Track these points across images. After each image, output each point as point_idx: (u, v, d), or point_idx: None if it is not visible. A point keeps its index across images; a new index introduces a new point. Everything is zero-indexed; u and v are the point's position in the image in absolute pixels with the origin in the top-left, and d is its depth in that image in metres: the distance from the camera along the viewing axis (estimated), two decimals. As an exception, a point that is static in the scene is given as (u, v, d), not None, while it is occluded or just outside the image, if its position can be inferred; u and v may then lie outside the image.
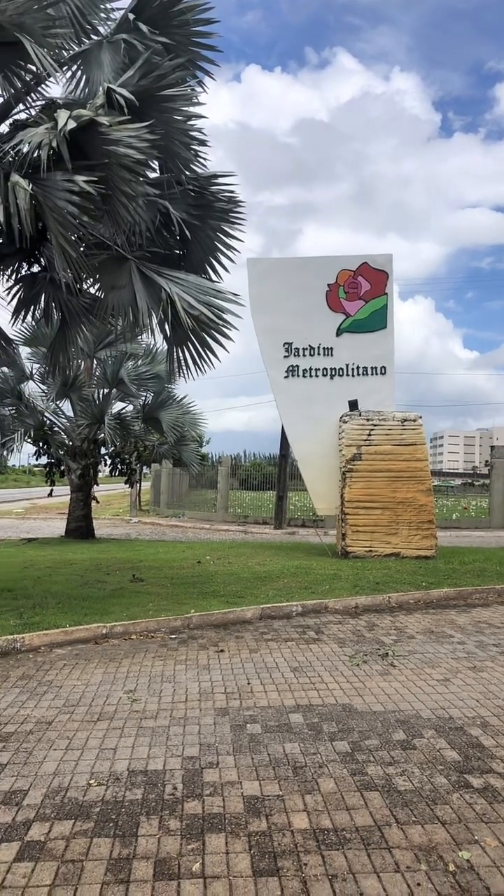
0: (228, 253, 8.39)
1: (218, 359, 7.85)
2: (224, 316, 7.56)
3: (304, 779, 3.42)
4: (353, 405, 12.44)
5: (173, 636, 6.69)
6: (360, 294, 12.70)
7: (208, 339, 7.68)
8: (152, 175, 8.31)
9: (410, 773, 3.49)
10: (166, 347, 8.41)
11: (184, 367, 8.07)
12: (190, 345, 7.84)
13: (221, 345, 7.68)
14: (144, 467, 34.44)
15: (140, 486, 34.53)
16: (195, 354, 7.89)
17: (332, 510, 12.76)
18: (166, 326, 7.57)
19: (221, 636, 6.68)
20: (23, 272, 8.39)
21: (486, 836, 2.86)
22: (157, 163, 8.17)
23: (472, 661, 5.65)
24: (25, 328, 14.49)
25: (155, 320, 7.30)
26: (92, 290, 8.44)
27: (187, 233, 7.81)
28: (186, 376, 8.35)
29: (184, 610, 7.44)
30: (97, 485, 16.51)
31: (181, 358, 7.96)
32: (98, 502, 16.93)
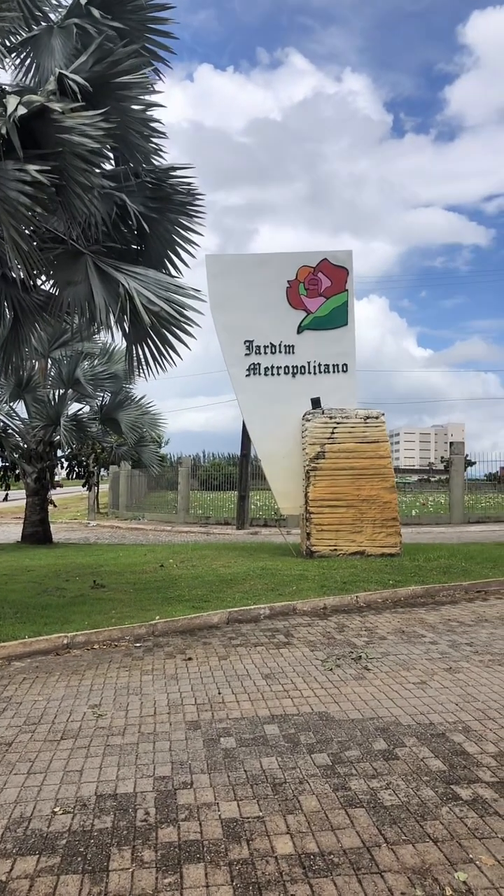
0: (188, 247, 8.18)
1: (179, 356, 7.64)
2: (185, 312, 7.33)
3: (284, 797, 3.23)
4: (316, 403, 12.31)
5: (138, 644, 6.44)
6: (321, 291, 12.57)
7: (169, 336, 7.45)
8: (108, 167, 8.04)
9: (395, 786, 3.32)
10: (124, 346, 8.16)
11: (144, 366, 7.83)
12: (150, 342, 7.60)
13: (183, 342, 7.46)
14: (102, 469, 34.00)
15: (98, 489, 34.01)
16: (155, 352, 7.65)
17: (296, 509, 12.61)
18: (125, 323, 7.31)
19: (188, 643, 6.45)
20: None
21: (482, 854, 2.70)
22: (113, 154, 7.91)
23: (447, 662, 5.53)
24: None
25: (113, 317, 7.01)
26: (46, 287, 8.13)
27: (145, 226, 7.56)
28: (147, 375, 8.12)
29: (148, 616, 7.18)
30: (54, 488, 16.08)
31: (140, 356, 7.70)
32: (55, 506, 16.50)
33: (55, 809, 3.14)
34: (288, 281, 12.56)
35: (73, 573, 10.36)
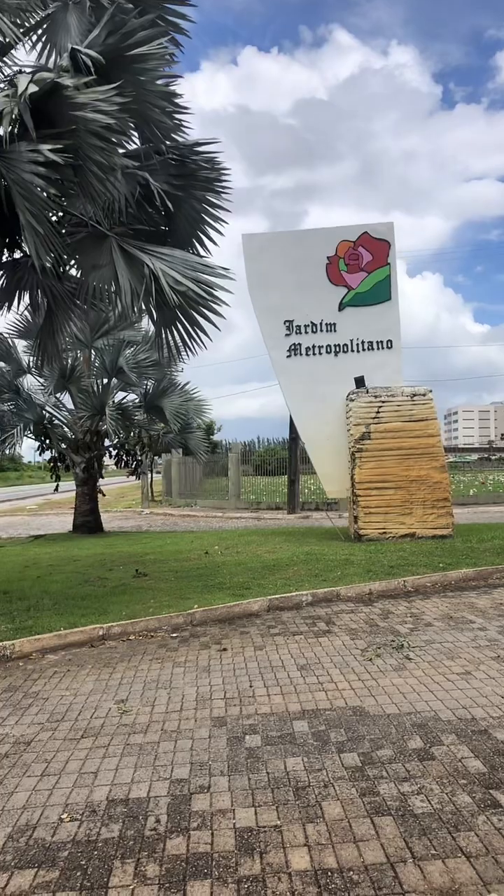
0: (216, 225, 7.90)
1: (209, 338, 7.39)
2: (214, 292, 7.08)
3: (306, 803, 2.99)
4: (360, 382, 11.93)
5: (174, 634, 6.28)
6: (362, 266, 12.15)
7: (198, 317, 7.21)
8: (131, 146, 7.83)
9: (428, 790, 3.04)
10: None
11: (174, 350, 7.62)
12: (179, 325, 7.38)
13: (212, 323, 7.20)
14: (155, 458, 34.21)
15: (151, 477, 34.24)
16: (185, 335, 7.43)
17: (342, 492, 12.29)
18: (151, 305, 7.09)
19: (225, 632, 6.26)
20: (3, 259, 7.94)
21: (520, 872, 2.41)
22: (135, 133, 7.70)
23: (495, 650, 5.19)
24: (19, 321, 14.06)
25: (139, 300, 6.80)
26: (75, 273, 7.98)
27: (170, 205, 7.31)
28: (184, 359, 7.91)
29: (187, 605, 7.02)
30: (102, 477, 16.11)
31: (170, 340, 7.50)
32: (104, 495, 16.55)
33: (62, 816, 2.98)
34: (327, 257, 12.18)
35: (117, 562, 10.30)
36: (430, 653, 5.21)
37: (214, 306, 7.07)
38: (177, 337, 7.52)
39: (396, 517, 11.22)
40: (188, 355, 7.61)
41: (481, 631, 5.80)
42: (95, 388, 15.18)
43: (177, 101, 7.52)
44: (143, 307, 7.12)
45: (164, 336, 7.49)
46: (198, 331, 7.37)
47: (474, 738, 3.57)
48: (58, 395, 15.79)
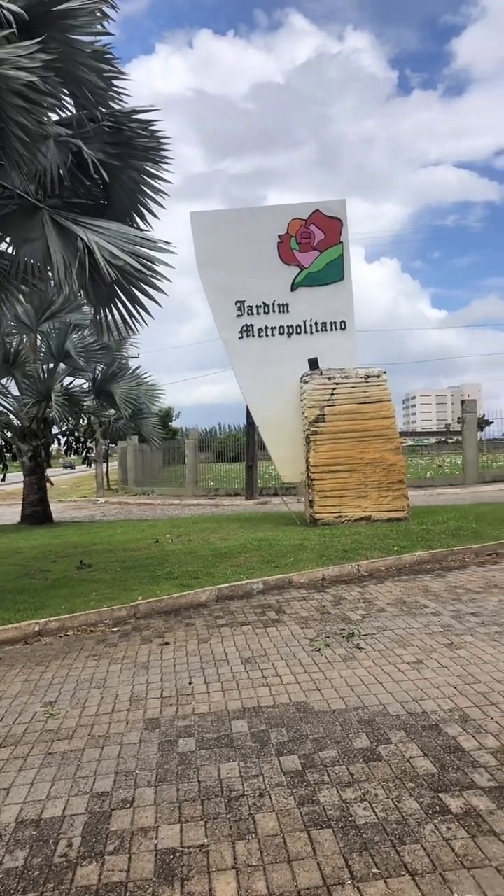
0: (156, 197, 7.49)
1: (151, 315, 7.02)
2: (155, 266, 6.70)
3: (238, 816, 2.69)
4: (314, 364, 11.66)
5: (116, 629, 5.94)
6: (314, 244, 11.84)
7: (138, 293, 6.83)
8: (64, 115, 7.38)
9: (373, 797, 2.77)
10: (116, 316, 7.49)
11: (114, 330, 7.23)
12: (118, 302, 6.98)
13: (153, 299, 6.83)
14: (111, 445, 33.59)
15: (107, 466, 33.66)
16: (125, 313, 7.04)
17: (297, 476, 12.04)
18: (87, 282, 6.68)
19: (170, 625, 5.94)
20: None
21: (469, 892, 2.15)
22: (70, 101, 7.25)
23: (448, 637, 4.96)
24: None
25: (72, 275, 6.37)
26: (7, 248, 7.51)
27: (105, 175, 6.88)
28: (136, 344, 7.52)
29: (131, 597, 6.68)
30: (50, 466, 15.60)
31: (109, 319, 7.10)
32: (52, 484, 16.03)
33: (-38, 843, 2.63)
34: (279, 235, 11.84)
35: (63, 553, 9.89)
36: (382, 641, 4.97)
37: (155, 281, 6.71)
38: (116, 315, 7.13)
39: (352, 500, 11.01)
40: (130, 334, 7.24)
41: (434, 616, 5.59)
42: (41, 374, 14.64)
43: (113, 65, 7.09)
44: (78, 283, 6.70)
45: (102, 314, 7.09)
46: (139, 308, 6.99)
47: (424, 735, 3.32)
48: (2, 381, 15.19)
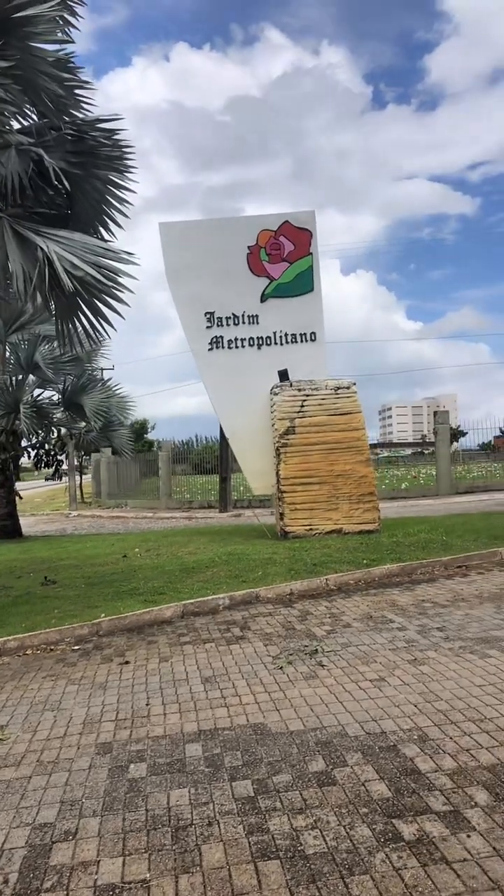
0: (121, 207, 7.43)
1: (113, 327, 6.94)
2: (118, 278, 6.62)
3: (184, 848, 2.58)
4: (284, 375, 11.61)
5: (76, 647, 5.80)
6: (284, 255, 11.83)
7: (100, 305, 6.74)
8: (26, 123, 7.30)
9: (325, 824, 2.68)
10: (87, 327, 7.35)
11: (76, 341, 7.13)
12: (80, 314, 6.88)
13: (116, 311, 6.75)
14: (85, 458, 33.28)
15: (81, 478, 33.34)
16: (87, 325, 6.94)
17: (268, 489, 11.95)
18: (47, 293, 6.58)
19: (132, 643, 5.81)
20: None
21: (417, 927, 2.06)
22: (30, 108, 7.18)
23: (412, 653, 4.89)
24: None
25: (30, 286, 6.27)
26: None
27: (67, 184, 6.82)
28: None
29: (94, 615, 6.54)
30: (19, 479, 15.36)
31: (71, 330, 6.99)
32: (21, 498, 15.78)
33: None
34: (248, 247, 11.82)
35: (28, 569, 9.70)
36: (345, 657, 4.88)
37: (117, 293, 6.62)
38: (80, 327, 7.04)
39: (322, 513, 10.95)
40: (94, 346, 7.13)
41: (400, 631, 5.52)
42: (10, 385, 14.42)
43: (76, 73, 7.05)
44: (39, 295, 6.59)
45: (64, 326, 6.99)
46: (101, 320, 6.90)
47: (381, 757, 3.23)
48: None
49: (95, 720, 4.02)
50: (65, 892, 2.36)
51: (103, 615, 6.49)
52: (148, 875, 2.42)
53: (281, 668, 4.75)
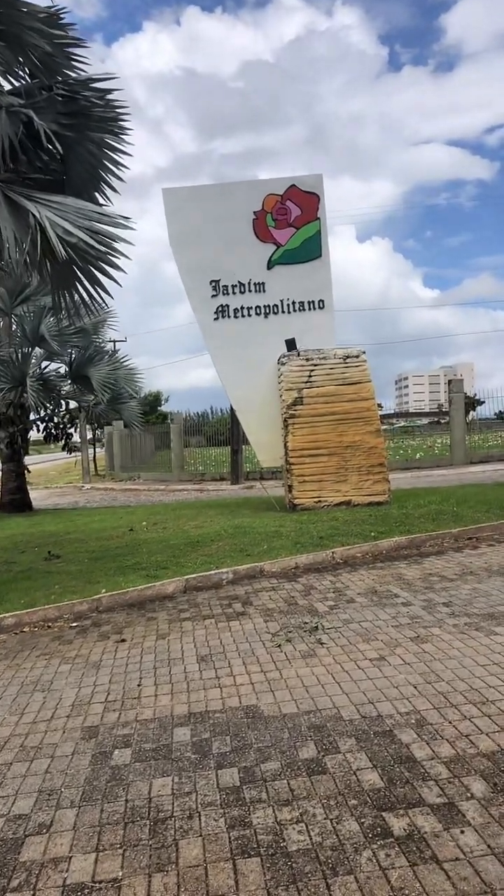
0: (116, 170, 7.16)
1: (110, 295, 6.73)
2: (114, 244, 6.38)
3: (161, 842, 2.45)
4: (291, 344, 11.35)
5: (74, 624, 5.70)
6: (291, 220, 11.48)
7: (96, 272, 6.52)
8: (18, 84, 7.03)
9: (311, 817, 2.53)
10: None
11: (71, 310, 6.92)
12: (76, 282, 6.67)
13: (112, 278, 6.54)
14: (99, 430, 33.25)
15: (95, 451, 33.35)
16: (83, 293, 6.73)
17: (276, 461, 11.76)
18: (41, 261, 6.36)
19: (132, 619, 5.70)
20: None
21: (401, 936, 1.91)
22: (25, 71, 6.91)
23: (415, 629, 4.73)
24: None
25: (20, 252, 6.05)
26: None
27: (59, 147, 6.55)
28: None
29: (95, 590, 6.44)
30: (28, 453, 15.29)
31: (67, 299, 6.79)
32: (30, 472, 15.72)
33: None
34: (254, 212, 11.46)
35: (34, 543, 9.63)
36: (346, 634, 4.73)
37: (113, 259, 6.39)
38: (76, 296, 6.83)
39: (331, 485, 10.75)
40: (91, 316, 6.93)
41: (405, 606, 5.34)
42: (16, 358, 14.28)
43: (67, 31, 6.74)
44: (31, 262, 6.38)
45: (60, 296, 6.79)
46: (97, 288, 6.69)
47: (376, 743, 3.08)
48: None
49: (85, 702, 3.90)
50: (31, 892, 2.23)
51: (104, 591, 6.38)
52: (120, 873, 2.29)
53: (279, 645, 4.60)
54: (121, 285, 6.61)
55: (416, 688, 3.68)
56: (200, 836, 2.47)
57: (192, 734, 3.33)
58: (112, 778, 2.96)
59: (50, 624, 5.74)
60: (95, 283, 6.68)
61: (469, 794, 2.58)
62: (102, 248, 6.24)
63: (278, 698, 3.69)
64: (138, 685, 4.10)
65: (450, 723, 3.21)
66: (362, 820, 2.48)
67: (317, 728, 3.28)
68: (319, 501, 10.71)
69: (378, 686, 3.75)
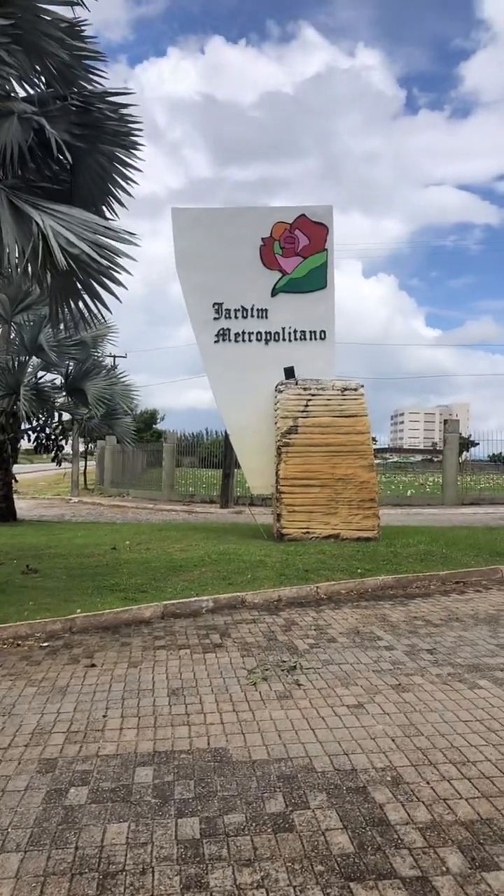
0: (125, 185, 7.08)
1: (108, 310, 6.62)
2: (116, 258, 6.28)
3: (108, 900, 2.26)
4: (290, 373, 11.26)
5: (45, 644, 5.49)
6: (298, 250, 11.46)
7: (96, 286, 6.42)
8: (33, 92, 6.98)
9: (273, 882, 2.34)
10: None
11: (69, 322, 6.81)
12: (75, 294, 6.56)
13: (112, 292, 6.42)
14: (91, 444, 33.04)
15: (85, 465, 33.10)
16: (82, 307, 6.62)
17: (267, 488, 11.60)
18: (41, 270, 6.25)
19: (105, 643, 5.50)
20: None
21: None
22: (43, 79, 6.88)
23: (396, 676, 4.55)
24: None
25: (20, 262, 5.94)
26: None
27: (69, 157, 6.48)
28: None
29: (69, 609, 6.24)
30: (16, 462, 15.08)
31: (65, 311, 6.67)
32: (16, 481, 15.50)
33: None
34: (262, 238, 11.44)
35: (13, 555, 9.41)
36: (325, 677, 4.55)
37: (115, 274, 6.29)
38: (73, 308, 6.72)
39: (321, 517, 10.60)
40: (88, 328, 6.81)
41: (387, 651, 5.17)
42: (12, 366, 14.14)
43: (87, 42, 6.70)
44: (31, 271, 6.27)
45: (57, 306, 6.68)
46: (97, 302, 6.58)
47: (347, 800, 2.89)
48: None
49: (46, 731, 3.70)
50: None
51: (79, 611, 6.18)
52: (60, 934, 2.10)
53: (255, 683, 4.42)
54: (120, 301, 6.52)
55: (394, 741, 3.50)
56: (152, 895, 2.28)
57: (155, 776, 3.14)
58: (64, 820, 2.77)
59: (20, 642, 5.54)
60: (95, 296, 6.57)
61: (444, 869, 2.40)
62: (105, 263, 6.14)
63: (249, 742, 3.50)
64: (104, 716, 3.90)
65: (427, 783, 3.03)
66: (328, 890, 2.29)
67: (287, 779, 3.09)
68: (308, 533, 10.55)
69: (354, 736, 3.56)
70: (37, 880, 2.37)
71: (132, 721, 3.82)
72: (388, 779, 3.08)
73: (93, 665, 4.89)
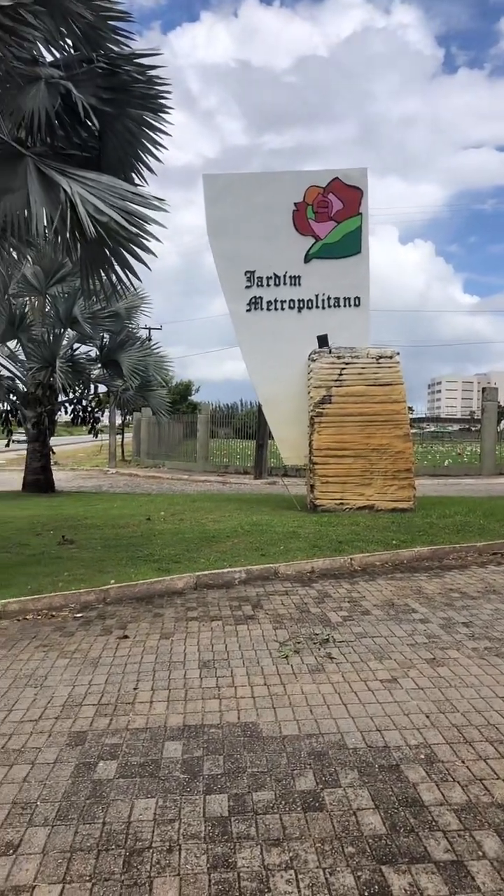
0: (154, 150, 6.93)
1: (139, 279, 6.50)
2: (146, 226, 6.16)
3: (133, 879, 2.23)
4: (323, 341, 11.06)
5: (79, 615, 5.51)
6: (332, 214, 11.17)
7: (126, 254, 6.31)
8: (60, 56, 6.84)
9: (302, 863, 2.29)
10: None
11: (99, 292, 6.73)
12: (105, 263, 6.47)
13: (141, 260, 6.32)
14: (126, 416, 33.22)
15: (123, 436, 33.37)
16: (112, 275, 6.53)
17: (300, 458, 11.48)
18: (70, 239, 6.17)
19: (138, 614, 5.50)
20: None
21: None
22: (69, 42, 6.73)
23: (431, 650, 4.45)
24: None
25: (50, 229, 5.86)
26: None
27: (96, 122, 6.33)
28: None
29: (103, 580, 6.26)
30: (53, 434, 15.21)
31: (95, 280, 6.59)
32: (54, 453, 15.64)
33: None
34: (295, 203, 11.17)
35: (51, 526, 9.49)
36: (358, 650, 4.47)
37: (145, 241, 6.17)
38: (104, 278, 6.64)
39: (355, 487, 10.46)
40: (118, 298, 6.73)
41: (422, 623, 5.07)
42: (48, 339, 14.18)
43: (112, 3, 6.53)
44: (60, 240, 6.19)
45: (88, 275, 6.59)
46: (126, 271, 6.48)
47: (380, 778, 2.82)
48: (8, 344, 14.78)
49: (77, 703, 3.70)
50: (-13, 924, 2.03)
51: (113, 581, 6.20)
52: (85, 911, 2.07)
53: (286, 657, 4.36)
54: (150, 269, 6.42)
55: (428, 717, 3.41)
56: (178, 875, 2.24)
57: (184, 750, 3.11)
58: (92, 794, 2.75)
59: (54, 613, 5.56)
60: (125, 265, 6.47)
61: (481, 853, 2.31)
62: (134, 230, 6.03)
63: (280, 717, 3.45)
64: (134, 688, 3.89)
65: (463, 762, 2.94)
66: (359, 873, 2.23)
67: (318, 755, 3.03)
68: (341, 504, 10.43)
69: (387, 712, 3.49)
70: (63, 856, 2.35)
71: (163, 694, 3.80)
72: (422, 757, 3.00)
73: (125, 636, 4.89)
